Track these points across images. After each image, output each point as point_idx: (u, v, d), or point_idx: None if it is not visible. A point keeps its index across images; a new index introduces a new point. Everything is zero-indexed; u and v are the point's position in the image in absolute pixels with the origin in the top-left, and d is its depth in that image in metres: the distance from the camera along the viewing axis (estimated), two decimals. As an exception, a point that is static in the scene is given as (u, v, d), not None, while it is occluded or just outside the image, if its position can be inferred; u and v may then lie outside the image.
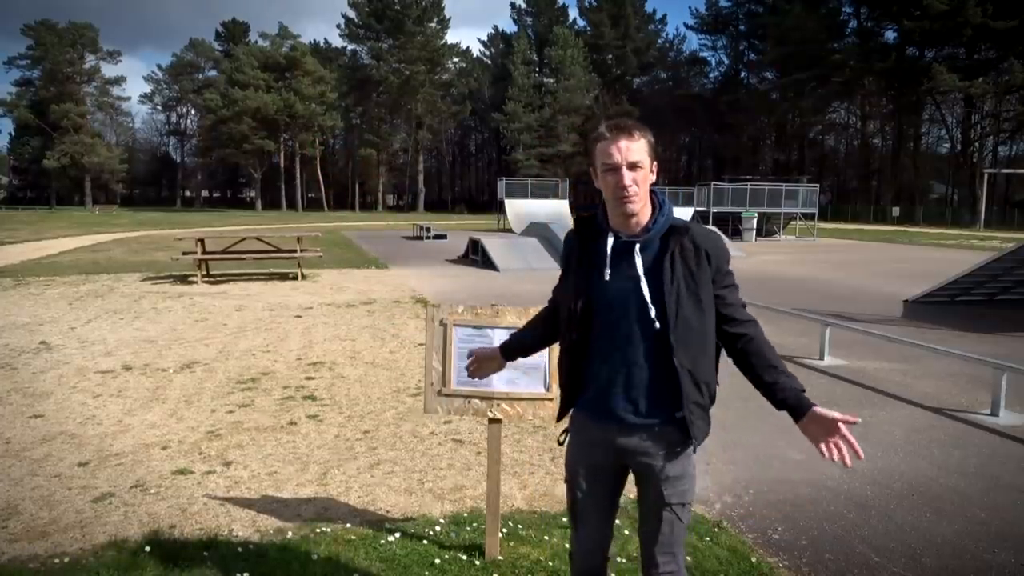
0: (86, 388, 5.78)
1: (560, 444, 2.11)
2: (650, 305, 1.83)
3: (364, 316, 9.48)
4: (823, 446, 1.79)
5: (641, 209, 1.88)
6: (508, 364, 2.37)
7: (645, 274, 1.85)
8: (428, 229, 26.48)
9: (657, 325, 1.83)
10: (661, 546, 1.95)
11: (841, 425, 1.77)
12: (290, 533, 3.28)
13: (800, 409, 1.82)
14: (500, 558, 3.05)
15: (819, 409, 1.80)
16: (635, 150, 1.84)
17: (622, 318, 1.87)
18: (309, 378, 6.17)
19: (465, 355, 3.08)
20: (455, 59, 75.58)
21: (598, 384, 1.94)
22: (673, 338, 1.82)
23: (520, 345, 2.31)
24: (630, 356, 1.88)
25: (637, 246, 1.87)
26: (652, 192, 1.93)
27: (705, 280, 1.85)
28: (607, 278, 1.87)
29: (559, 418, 2.15)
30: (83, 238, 25.62)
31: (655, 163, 1.92)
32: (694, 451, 1.95)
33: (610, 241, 1.89)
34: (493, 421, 3.07)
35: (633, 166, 1.84)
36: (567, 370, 2.02)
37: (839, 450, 1.77)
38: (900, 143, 60.86)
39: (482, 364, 2.36)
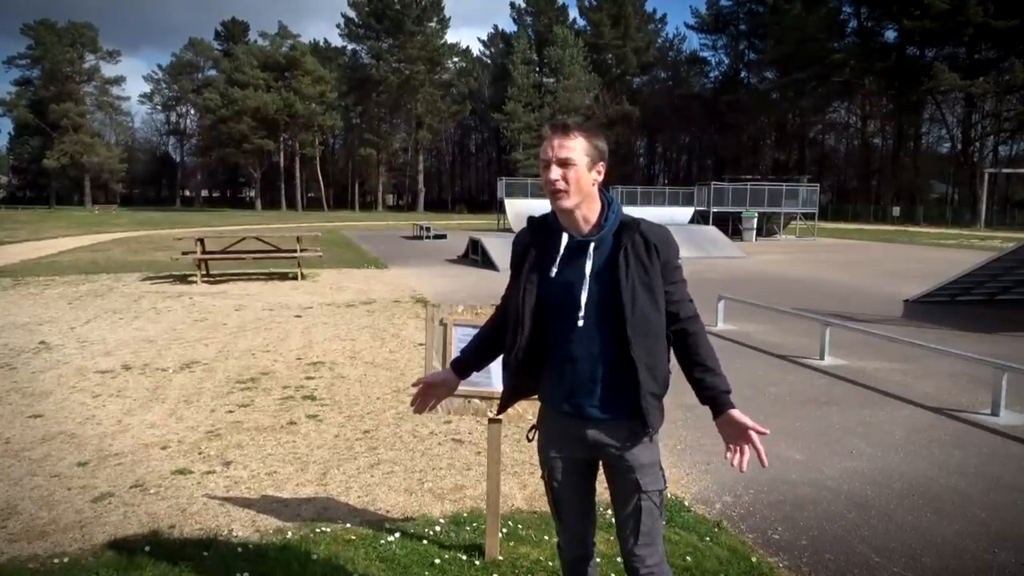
0: (86, 388, 5.78)
1: (529, 440, 2.18)
2: (607, 302, 1.89)
3: (364, 316, 9.48)
4: (730, 446, 1.94)
5: (577, 205, 1.92)
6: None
7: (601, 271, 1.91)
8: (428, 229, 26.48)
9: (615, 321, 1.89)
10: (643, 537, 1.98)
11: (751, 433, 1.89)
12: (290, 533, 3.28)
13: (719, 409, 1.95)
14: (500, 558, 3.05)
15: (735, 413, 1.92)
16: (567, 147, 1.90)
17: (579, 315, 1.91)
18: (309, 378, 6.17)
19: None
20: (455, 59, 75.61)
21: (562, 382, 1.98)
22: (630, 332, 1.88)
23: (477, 357, 2.26)
24: (590, 352, 1.93)
25: (591, 245, 1.92)
26: (601, 191, 1.98)
27: (656, 274, 1.92)
28: (554, 275, 1.93)
29: (500, 412, 2.28)
30: (82, 238, 25.61)
31: (602, 163, 1.95)
32: (650, 440, 1.99)
33: (564, 240, 1.94)
34: (493, 421, 3.07)
35: (563, 163, 1.89)
36: (514, 369, 2.04)
37: (741, 454, 1.92)
38: (900, 143, 60.84)
39: (428, 392, 2.27)
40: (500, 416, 3.03)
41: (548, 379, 2.03)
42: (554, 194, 1.91)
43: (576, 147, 1.90)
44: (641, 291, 1.89)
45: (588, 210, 1.94)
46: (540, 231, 2.02)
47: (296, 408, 5.28)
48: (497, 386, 2.98)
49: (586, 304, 1.90)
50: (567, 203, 1.91)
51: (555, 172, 1.89)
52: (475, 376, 2.97)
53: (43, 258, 17.62)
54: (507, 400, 2.17)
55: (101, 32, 71.76)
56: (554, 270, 1.93)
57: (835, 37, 58.45)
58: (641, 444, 1.97)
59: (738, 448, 1.93)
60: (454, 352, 3.07)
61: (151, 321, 8.95)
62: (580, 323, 1.91)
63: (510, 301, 2.06)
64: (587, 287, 1.90)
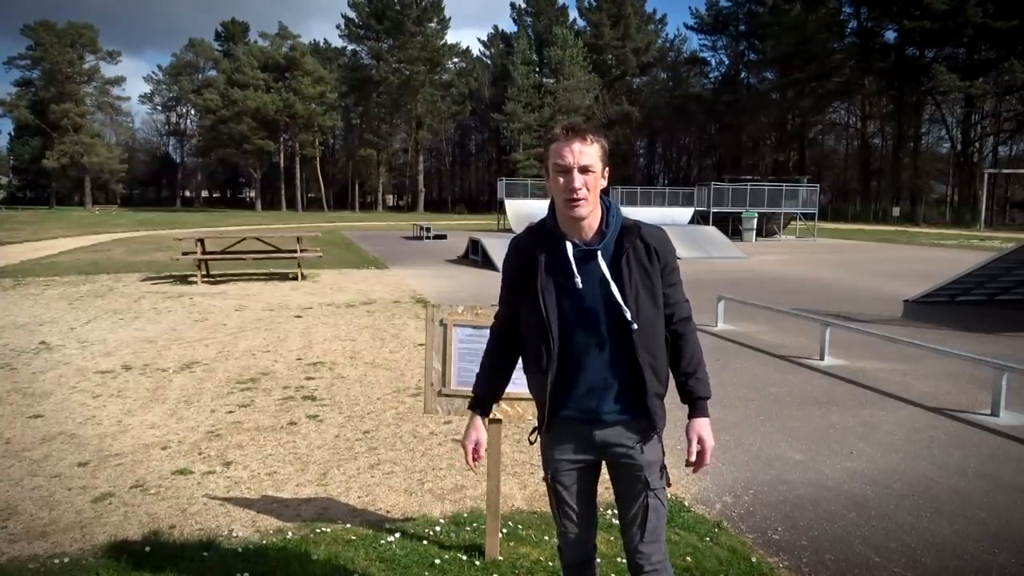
0: (86, 388, 5.78)
1: (531, 443, 2.16)
2: (625, 308, 1.89)
3: (364, 316, 9.48)
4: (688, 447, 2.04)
5: (591, 213, 1.91)
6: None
7: (607, 278, 1.90)
8: (428, 229, 26.49)
9: (623, 326, 1.89)
10: (648, 534, 1.99)
11: (694, 446, 2.00)
12: (290, 533, 3.28)
13: (690, 414, 2.04)
14: (500, 558, 3.05)
15: (695, 424, 2.01)
16: (588, 154, 1.87)
17: (594, 324, 1.92)
18: (309, 378, 6.17)
19: (465, 356, 3.09)
20: (455, 59, 75.58)
21: (575, 387, 1.97)
22: (636, 337, 1.89)
23: (495, 393, 2.22)
24: (603, 359, 1.93)
25: (599, 253, 1.91)
26: (600, 195, 1.96)
27: (657, 277, 1.94)
28: (580, 286, 1.90)
29: (543, 430, 2.09)
30: (83, 238, 25.61)
31: (608, 169, 1.95)
32: (657, 439, 2.02)
33: (570, 249, 1.91)
34: (493, 421, 3.07)
35: (584, 169, 1.87)
36: (544, 383, 1.96)
37: (694, 458, 2.02)
38: (900, 143, 60.77)
39: (480, 445, 2.23)
40: (500, 417, 3.04)
41: (557, 384, 1.97)
42: (574, 202, 1.86)
43: (595, 153, 1.88)
44: (644, 295, 1.91)
45: (593, 217, 1.93)
46: (542, 239, 1.98)
47: (296, 408, 5.28)
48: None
49: (600, 313, 1.90)
50: (585, 211, 1.89)
51: (578, 180, 1.85)
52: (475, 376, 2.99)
53: (43, 258, 17.61)
54: (542, 415, 2.05)
55: (102, 33, 71.81)
56: (577, 281, 1.90)
57: (835, 37, 58.39)
58: (649, 443, 1.98)
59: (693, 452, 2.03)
60: (455, 353, 3.07)
61: (151, 321, 8.95)
62: (592, 332, 1.91)
63: (527, 315, 1.98)
64: (601, 296, 1.89)
